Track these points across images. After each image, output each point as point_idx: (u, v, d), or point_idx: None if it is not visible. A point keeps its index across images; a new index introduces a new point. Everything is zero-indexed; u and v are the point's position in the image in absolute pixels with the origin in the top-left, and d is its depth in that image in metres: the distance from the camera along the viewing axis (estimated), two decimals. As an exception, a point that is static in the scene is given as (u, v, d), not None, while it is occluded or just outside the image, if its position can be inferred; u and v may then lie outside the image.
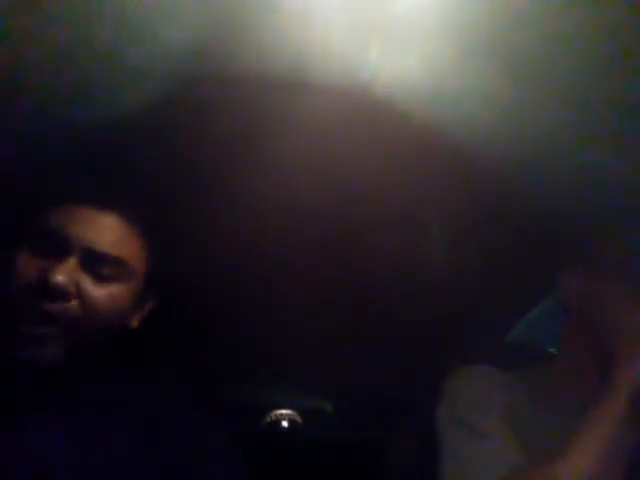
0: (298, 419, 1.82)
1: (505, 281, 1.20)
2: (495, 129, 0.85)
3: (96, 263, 0.77)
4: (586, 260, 0.90)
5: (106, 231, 0.79)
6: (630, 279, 0.83)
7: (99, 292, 0.77)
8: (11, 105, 0.83)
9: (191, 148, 0.92)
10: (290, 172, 0.95)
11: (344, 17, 0.70)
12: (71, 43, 0.75)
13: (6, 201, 0.84)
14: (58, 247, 0.76)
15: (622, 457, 0.71)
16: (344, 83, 0.79)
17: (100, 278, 0.77)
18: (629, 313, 0.79)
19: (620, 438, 0.71)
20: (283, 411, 1.82)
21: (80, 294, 0.75)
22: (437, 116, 0.84)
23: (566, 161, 0.89)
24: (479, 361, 0.94)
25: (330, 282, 1.23)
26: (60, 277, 0.73)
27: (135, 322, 0.86)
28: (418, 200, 1.01)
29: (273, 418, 1.81)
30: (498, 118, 0.83)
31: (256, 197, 1.01)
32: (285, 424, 1.80)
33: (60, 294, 0.73)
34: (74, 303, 0.75)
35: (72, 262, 0.75)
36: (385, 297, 1.28)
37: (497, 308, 1.27)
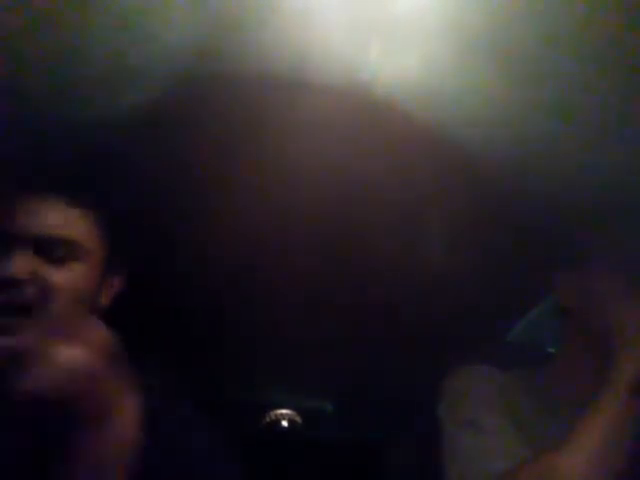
0: (298, 419, 1.82)
1: (505, 281, 1.20)
2: (495, 129, 0.85)
3: (48, 247, 0.78)
4: (583, 259, 0.90)
5: (53, 216, 0.80)
6: (628, 276, 0.83)
7: (56, 274, 0.77)
8: (15, 105, 0.83)
9: (191, 147, 0.92)
10: (290, 171, 0.95)
11: (344, 17, 0.70)
12: (71, 43, 0.75)
13: None
14: (10, 240, 0.77)
15: (621, 451, 0.71)
16: (344, 83, 0.79)
17: (56, 261, 0.78)
18: (628, 310, 0.80)
19: (619, 432, 0.72)
20: (283, 411, 1.82)
21: (37, 279, 0.76)
22: (437, 116, 0.84)
23: (565, 161, 0.89)
24: (479, 361, 0.94)
25: (330, 282, 1.23)
26: (13, 267, 0.73)
27: (105, 300, 0.86)
28: (418, 200, 1.01)
29: (273, 418, 1.81)
30: (498, 118, 0.83)
31: (255, 196, 1.01)
32: (285, 424, 1.80)
33: (16, 285, 0.73)
34: (30, 289, 0.75)
35: (26, 252, 0.76)
36: (385, 297, 1.28)
37: (497, 308, 1.28)
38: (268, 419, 1.81)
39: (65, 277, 0.78)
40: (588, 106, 0.80)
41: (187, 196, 1.01)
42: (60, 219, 0.81)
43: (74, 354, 0.51)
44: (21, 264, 0.75)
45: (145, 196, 1.01)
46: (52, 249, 0.78)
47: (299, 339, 1.42)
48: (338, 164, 0.93)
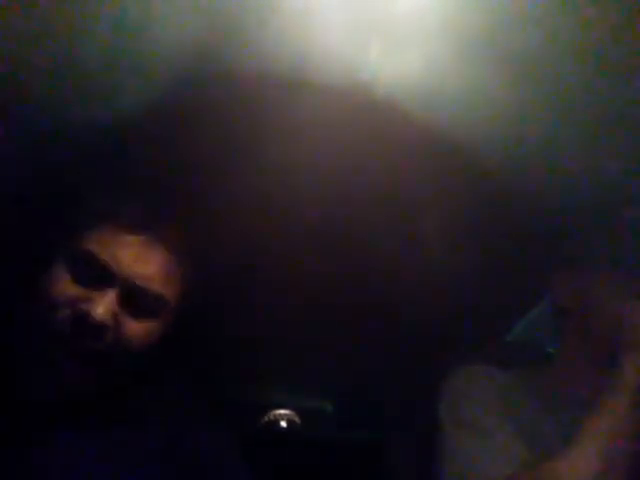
0: (296, 419, 1.82)
1: (505, 281, 1.20)
2: (495, 129, 0.85)
3: (135, 297, 0.73)
4: (580, 259, 0.90)
5: (149, 264, 0.74)
6: (625, 275, 0.83)
7: (135, 327, 0.73)
8: (17, 107, 0.83)
9: (192, 149, 0.92)
10: (290, 171, 0.95)
11: (344, 17, 0.70)
12: (71, 43, 0.75)
13: (38, 214, 0.82)
14: (99, 275, 0.72)
15: (625, 453, 0.71)
16: (344, 83, 0.79)
17: (137, 312, 0.74)
18: (628, 307, 0.79)
19: (622, 436, 0.71)
20: (282, 411, 1.82)
21: (117, 328, 0.72)
22: (437, 116, 0.84)
23: (565, 160, 0.90)
24: (479, 361, 0.94)
25: (330, 282, 1.23)
26: (100, 311, 0.69)
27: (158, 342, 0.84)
28: (418, 200, 1.01)
29: (271, 418, 1.81)
30: (498, 118, 0.83)
31: (256, 197, 1.01)
32: (283, 424, 1.80)
33: (99, 331, 0.70)
34: (109, 336, 0.71)
35: (112, 294, 0.71)
36: (385, 297, 1.28)
37: (497, 308, 1.27)
38: (267, 419, 1.81)
39: (141, 331, 0.74)
40: (588, 106, 0.80)
41: (186, 196, 1.01)
42: (159, 271, 0.75)
43: None
44: (107, 307, 0.70)
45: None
46: (140, 302, 0.74)
47: (299, 339, 1.42)
48: (338, 164, 0.93)
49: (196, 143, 0.92)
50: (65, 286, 0.71)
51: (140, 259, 0.74)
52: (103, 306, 0.69)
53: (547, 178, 0.93)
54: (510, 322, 1.34)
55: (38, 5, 0.70)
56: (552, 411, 0.84)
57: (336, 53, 0.75)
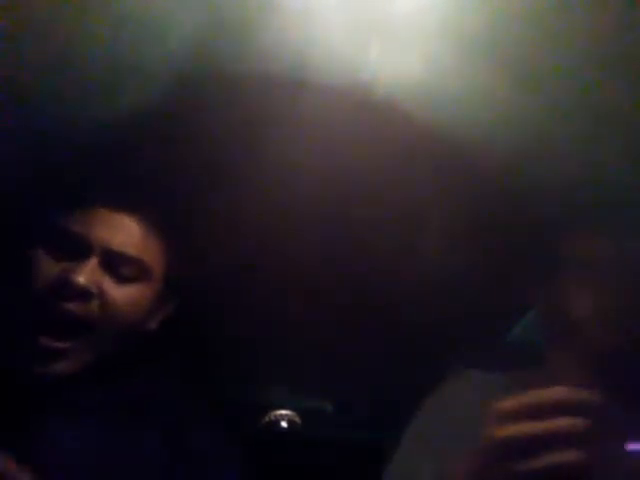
0: (297, 419, 1.81)
1: (505, 281, 1.20)
2: (495, 129, 0.85)
3: (116, 264, 0.77)
4: (553, 258, 0.91)
5: (125, 232, 0.79)
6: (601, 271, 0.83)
7: (119, 292, 0.76)
8: (15, 105, 0.83)
9: (192, 149, 0.92)
10: (290, 171, 0.95)
11: (344, 17, 0.70)
12: (71, 43, 0.75)
13: (19, 201, 0.84)
14: (78, 248, 0.75)
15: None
16: (344, 83, 0.79)
17: (120, 279, 0.77)
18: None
19: None
20: (282, 411, 1.82)
21: (101, 294, 0.74)
22: (437, 116, 0.84)
23: (565, 160, 0.90)
24: (476, 363, 0.94)
25: (331, 282, 1.23)
26: (82, 277, 0.72)
27: (154, 324, 0.85)
28: (418, 199, 1.01)
29: (272, 418, 1.81)
30: (498, 118, 0.83)
31: (255, 196, 1.01)
32: (284, 424, 1.80)
33: (81, 293, 0.72)
34: (94, 303, 0.74)
35: (92, 262, 0.75)
36: (385, 297, 1.28)
37: (497, 308, 1.27)
38: (267, 419, 1.81)
39: (125, 296, 0.77)
40: (588, 106, 0.80)
41: (186, 196, 1.01)
42: (133, 236, 0.79)
43: None
44: (90, 275, 0.73)
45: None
46: (121, 267, 0.77)
47: (299, 339, 1.42)
48: (338, 164, 0.93)
49: (195, 142, 0.92)
50: (45, 263, 0.74)
51: (116, 229, 0.78)
52: (84, 272, 0.73)
53: (547, 178, 0.93)
54: (510, 322, 1.34)
55: (38, 5, 0.70)
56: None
57: (336, 53, 0.75)
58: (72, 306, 0.72)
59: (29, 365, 0.72)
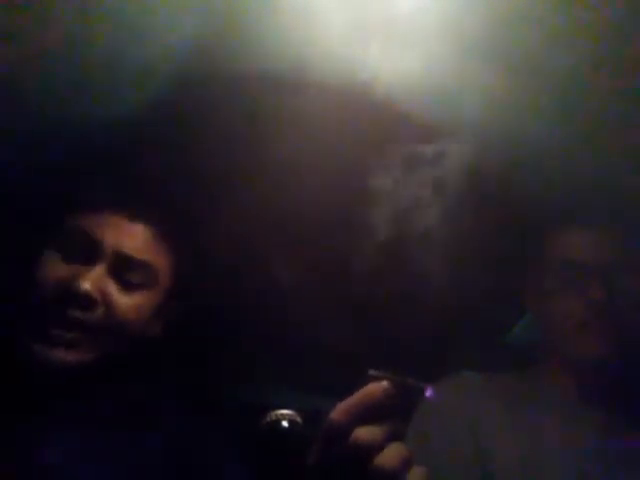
0: (298, 419, 1.81)
1: (505, 281, 1.20)
2: (494, 128, 0.85)
3: (124, 269, 0.77)
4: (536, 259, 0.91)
5: (134, 237, 0.79)
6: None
7: (125, 300, 0.76)
8: (17, 106, 0.83)
9: (192, 149, 0.92)
10: (290, 171, 0.95)
11: (344, 17, 0.71)
12: (71, 43, 0.75)
13: (31, 201, 0.84)
14: (86, 251, 0.76)
15: None
16: (344, 83, 0.79)
17: (126, 285, 0.77)
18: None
19: None
20: (283, 411, 1.82)
21: (106, 301, 0.75)
22: (437, 116, 0.84)
23: (565, 160, 0.90)
24: (475, 363, 0.95)
25: (330, 282, 1.23)
26: (87, 285, 0.72)
27: (158, 329, 0.85)
28: (418, 199, 1.01)
29: (273, 418, 1.81)
30: (497, 117, 0.83)
31: (255, 195, 1.01)
32: (285, 424, 1.80)
33: (86, 302, 0.73)
34: (100, 311, 0.74)
35: (100, 268, 0.75)
36: (385, 297, 1.28)
37: (497, 308, 1.27)
38: (268, 419, 1.80)
39: (130, 304, 0.77)
40: (588, 106, 0.80)
41: (186, 196, 1.01)
42: (142, 242, 0.79)
43: None
44: (95, 282, 0.74)
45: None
46: (129, 272, 0.77)
47: (299, 339, 1.42)
48: (338, 164, 0.93)
49: (195, 142, 0.92)
50: (54, 265, 0.75)
51: (125, 233, 0.78)
52: (89, 279, 0.73)
53: (547, 177, 0.93)
54: (510, 322, 1.34)
55: (37, 4, 0.70)
56: (526, 419, 0.84)
57: (336, 53, 0.75)
58: (77, 313, 0.73)
59: (45, 353, 0.72)
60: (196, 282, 0.90)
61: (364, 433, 0.45)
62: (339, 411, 0.47)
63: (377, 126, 0.86)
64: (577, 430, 0.82)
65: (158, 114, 0.85)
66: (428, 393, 0.47)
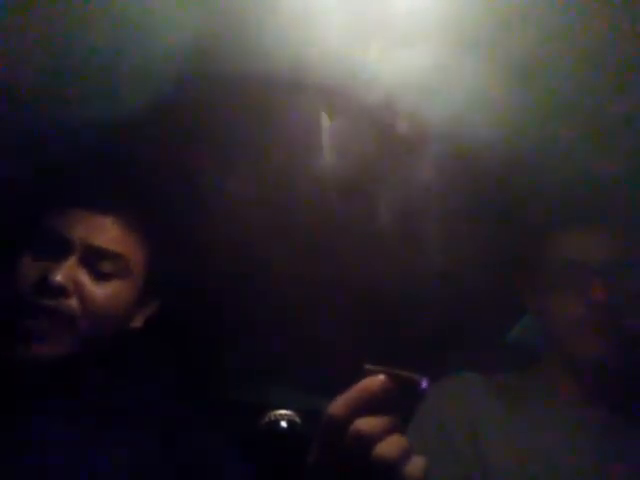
0: (297, 419, 1.81)
1: (505, 282, 1.20)
2: (494, 128, 0.85)
3: (95, 259, 0.78)
4: (536, 258, 0.91)
5: (104, 230, 0.80)
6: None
7: (98, 289, 0.78)
8: (9, 106, 0.83)
9: (190, 149, 0.92)
10: (290, 171, 0.95)
11: (344, 17, 0.71)
12: (71, 43, 0.75)
13: (7, 204, 0.85)
14: (58, 247, 0.78)
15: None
16: (344, 83, 0.79)
17: (99, 275, 0.78)
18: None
19: None
20: (282, 411, 1.82)
21: (79, 291, 0.76)
22: (437, 116, 0.84)
23: (564, 160, 0.90)
24: (475, 363, 0.94)
25: (330, 282, 1.23)
26: (59, 276, 0.74)
27: (138, 322, 0.86)
28: (417, 199, 1.01)
29: (272, 418, 1.81)
30: (497, 117, 0.83)
31: (255, 197, 1.01)
32: (284, 424, 1.80)
33: (58, 291, 0.74)
34: (73, 300, 0.76)
35: (71, 260, 0.77)
36: (386, 297, 1.28)
37: (497, 308, 1.27)
38: (267, 419, 1.80)
39: (104, 292, 0.78)
40: (587, 106, 0.80)
41: (186, 197, 1.01)
42: (113, 233, 0.81)
43: None
44: (67, 273, 0.76)
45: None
46: (100, 262, 0.79)
47: (299, 339, 1.42)
48: (338, 164, 0.93)
49: (195, 143, 0.92)
50: (29, 264, 0.77)
51: (95, 226, 0.80)
52: (60, 270, 0.75)
53: (546, 177, 0.93)
54: (510, 322, 1.34)
55: (37, 4, 0.70)
56: (526, 422, 0.84)
57: (336, 53, 0.75)
58: (52, 302, 0.74)
59: (12, 347, 0.73)
60: (177, 277, 0.91)
61: (363, 424, 0.45)
62: (337, 405, 0.47)
63: (377, 126, 0.86)
64: (577, 430, 0.82)
65: (157, 114, 0.85)
66: (424, 385, 0.47)
